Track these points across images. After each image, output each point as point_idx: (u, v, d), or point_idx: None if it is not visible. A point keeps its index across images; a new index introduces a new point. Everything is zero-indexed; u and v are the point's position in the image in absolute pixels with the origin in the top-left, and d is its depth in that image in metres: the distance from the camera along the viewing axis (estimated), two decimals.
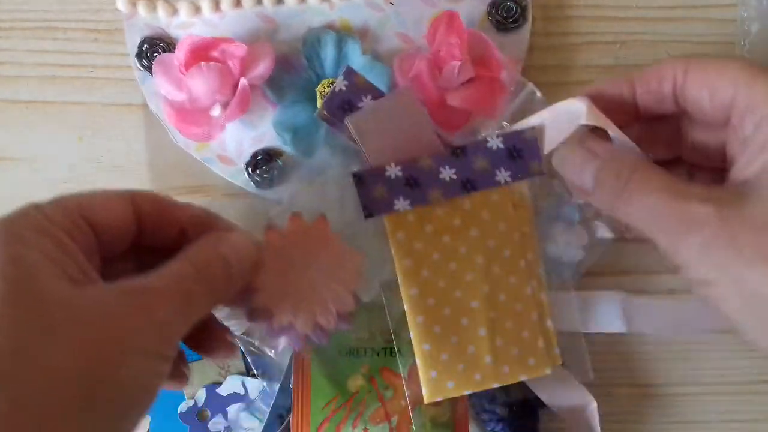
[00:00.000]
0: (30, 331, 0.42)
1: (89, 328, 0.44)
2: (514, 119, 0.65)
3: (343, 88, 0.64)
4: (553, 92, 0.71)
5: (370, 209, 0.62)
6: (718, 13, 0.72)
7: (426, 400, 0.63)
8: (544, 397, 0.67)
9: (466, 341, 0.63)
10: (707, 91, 0.54)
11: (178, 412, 0.69)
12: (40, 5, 0.72)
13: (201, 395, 0.69)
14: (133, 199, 0.52)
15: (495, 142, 0.62)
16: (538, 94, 0.67)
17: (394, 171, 0.61)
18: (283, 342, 0.61)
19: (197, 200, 0.70)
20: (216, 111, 0.67)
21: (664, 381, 0.71)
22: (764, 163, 0.50)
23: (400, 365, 0.66)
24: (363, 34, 0.70)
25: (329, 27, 0.70)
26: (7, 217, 0.46)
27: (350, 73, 0.64)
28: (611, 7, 0.72)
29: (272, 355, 0.68)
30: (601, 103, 0.58)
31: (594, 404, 0.67)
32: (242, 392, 0.69)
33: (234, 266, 0.53)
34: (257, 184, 0.69)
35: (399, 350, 0.66)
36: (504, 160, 0.62)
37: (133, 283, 0.47)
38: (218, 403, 0.69)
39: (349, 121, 0.63)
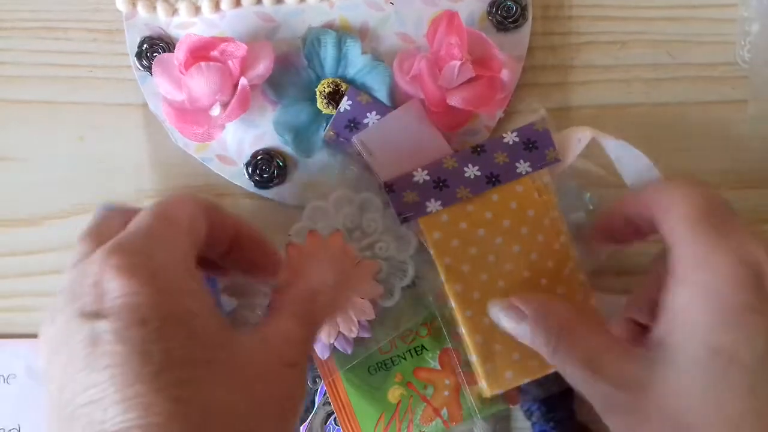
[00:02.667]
0: (217, 388, 0.44)
1: (260, 382, 0.46)
2: None
3: (348, 108, 0.66)
4: (554, 92, 0.71)
5: (404, 215, 0.64)
6: (719, 13, 0.72)
7: (488, 394, 0.64)
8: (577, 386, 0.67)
9: None
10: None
11: None
12: (40, 5, 0.72)
13: None
14: (206, 210, 0.51)
15: (510, 137, 0.65)
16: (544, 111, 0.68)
17: (421, 175, 0.64)
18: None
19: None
20: (216, 111, 0.67)
21: None
22: (677, 332, 0.51)
23: (430, 360, 0.67)
24: (363, 34, 0.70)
25: (329, 26, 0.70)
26: (143, 250, 0.45)
27: (354, 93, 0.67)
28: (612, 6, 0.72)
29: None
30: (612, 229, 0.62)
31: None
32: None
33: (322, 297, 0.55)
34: (257, 184, 0.69)
35: (424, 347, 0.67)
36: (521, 153, 0.65)
37: (268, 336, 0.49)
38: None
39: (356, 140, 0.65)
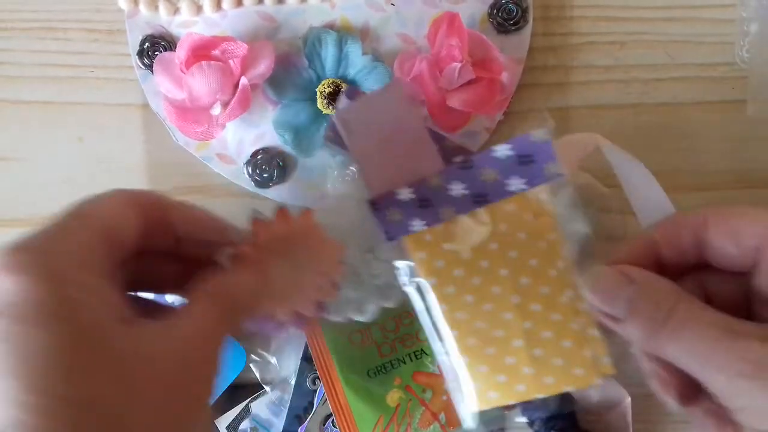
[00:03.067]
0: (103, 383, 0.41)
1: (162, 379, 0.43)
2: None
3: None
4: (554, 93, 0.71)
5: (390, 233, 0.62)
6: (718, 13, 0.72)
7: (469, 411, 0.63)
8: (576, 393, 0.67)
9: (503, 353, 0.62)
10: (731, 237, 0.51)
11: None
12: (40, 5, 0.72)
13: None
14: (139, 203, 0.49)
15: (502, 150, 0.57)
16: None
17: (405, 194, 0.60)
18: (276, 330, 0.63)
19: (197, 200, 0.70)
20: (216, 110, 0.67)
21: None
22: None
23: (429, 364, 0.67)
24: (364, 34, 0.70)
25: (330, 26, 0.70)
26: (39, 245, 0.43)
27: (352, 92, 0.66)
28: (611, 7, 0.72)
29: (274, 362, 0.68)
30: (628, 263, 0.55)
31: (628, 399, 0.67)
32: None
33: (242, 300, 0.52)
34: (257, 183, 0.69)
35: (424, 351, 0.68)
36: (515, 168, 0.58)
37: (179, 329, 0.46)
38: None
39: (336, 116, 0.63)
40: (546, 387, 0.62)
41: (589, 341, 0.62)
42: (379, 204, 0.61)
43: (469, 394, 0.63)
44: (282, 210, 0.62)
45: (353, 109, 0.63)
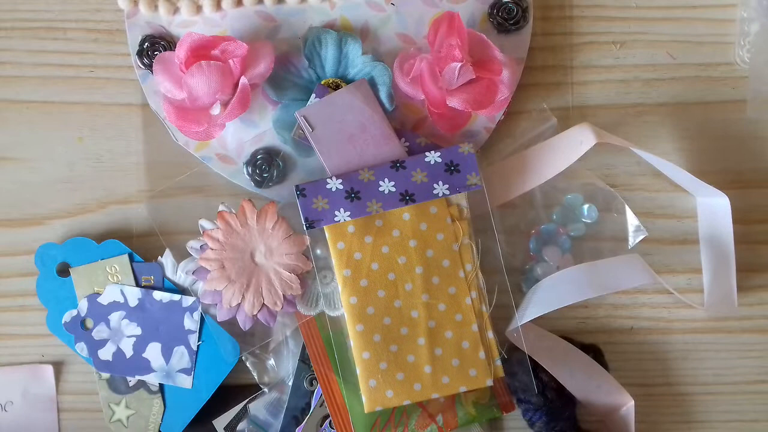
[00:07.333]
0: None
1: None
2: (530, 143, 0.69)
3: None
4: (554, 92, 0.71)
5: (311, 221, 0.64)
6: (718, 13, 0.72)
7: (366, 410, 0.64)
8: (579, 396, 0.67)
9: (405, 350, 0.64)
10: None
11: (63, 321, 0.69)
12: (40, 5, 0.72)
13: (83, 305, 0.69)
14: None
15: (433, 157, 0.65)
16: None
17: (335, 183, 0.64)
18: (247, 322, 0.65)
19: (197, 200, 0.71)
20: (216, 109, 0.67)
21: (664, 381, 0.71)
22: None
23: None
24: (364, 34, 0.70)
25: (330, 26, 0.70)
26: None
27: (322, 91, 0.67)
28: (611, 7, 0.72)
29: (271, 363, 0.69)
30: None
31: (631, 403, 0.67)
32: (121, 300, 0.69)
33: None
34: (257, 183, 0.69)
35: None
36: (442, 174, 0.65)
37: None
38: (100, 312, 0.69)
39: (298, 114, 0.66)
40: (442, 387, 0.65)
41: (484, 343, 0.65)
42: (306, 190, 0.65)
43: (364, 391, 0.64)
44: (246, 201, 0.65)
45: (316, 107, 0.66)
